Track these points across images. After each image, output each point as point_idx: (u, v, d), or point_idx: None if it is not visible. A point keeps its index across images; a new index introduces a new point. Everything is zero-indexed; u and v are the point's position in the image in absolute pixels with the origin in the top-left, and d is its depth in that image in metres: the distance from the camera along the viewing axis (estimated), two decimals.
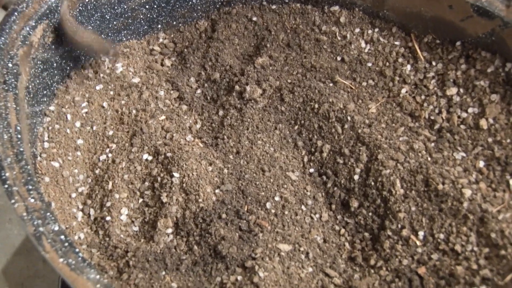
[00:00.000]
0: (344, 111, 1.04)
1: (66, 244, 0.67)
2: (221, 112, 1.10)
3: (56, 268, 0.66)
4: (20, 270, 1.51)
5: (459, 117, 1.03)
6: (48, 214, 0.69)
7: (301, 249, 0.91)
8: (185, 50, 1.20)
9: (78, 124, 1.03)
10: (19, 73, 0.87)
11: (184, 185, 0.95)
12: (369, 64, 1.13)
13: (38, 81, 0.96)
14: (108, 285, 0.65)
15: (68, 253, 0.66)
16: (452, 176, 0.94)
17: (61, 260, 0.66)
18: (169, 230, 0.91)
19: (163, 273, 0.86)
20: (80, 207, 0.96)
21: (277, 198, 0.96)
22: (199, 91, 1.14)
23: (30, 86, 0.94)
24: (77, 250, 0.67)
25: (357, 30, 1.16)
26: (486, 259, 0.86)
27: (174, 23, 1.22)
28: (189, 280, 0.87)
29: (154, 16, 1.18)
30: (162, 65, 1.19)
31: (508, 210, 0.90)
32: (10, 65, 0.87)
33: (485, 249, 0.87)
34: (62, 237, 0.68)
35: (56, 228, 0.68)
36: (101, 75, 1.10)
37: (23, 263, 1.53)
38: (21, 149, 0.76)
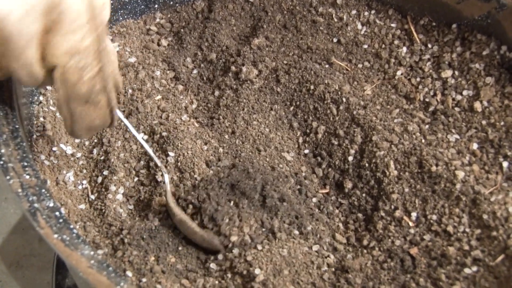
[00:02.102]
0: (339, 93, 1.04)
1: (61, 220, 0.68)
2: (217, 93, 1.10)
3: (50, 243, 0.66)
4: (16, 249, 1.52)
5: (453, 99, 1.03)
6: (43, 190, 0.70)
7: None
8: (182, 30, 1.20)
9: None
10: None
11: (179, 164, 0.95)
12: (365, 46, 1.13)
13: None
14: (102, 261, 0.65)
15: (62, 229, 0.67)
16: (446, 158, 0.94)
17: (56, 236, 0.66)
18: (164, 209, 0.91)
19: (158, 250, 0.87)
20: (76, 184, 0.96)
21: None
22: (195, 71, 1.14)
23: None
24: (71, 226, 0.67)
25: (354, 12, 1.16)
26: (478, 240, 0.87)
27: (171, 3, 1.22)
28: (185, 258, 0.88)
29: None
30: (158, 45, 1.19)
31: (500, 192, 0.91)
32: None
33: (477, 230, 0.87)
34: (57, 213, 0.68)
35: (51, 205, 0.68)
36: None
37: (19, 242, 1.53)
38: (17, 126, 0.76)
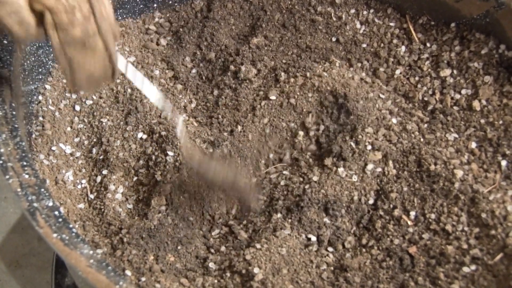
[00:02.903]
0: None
1: (60, 219, 0.68)
2: (216, 92, 1.10)
3: (49, 243, 0.66)
4: (16, 248, 1.52)
5: (452, 98, 1.03)
6: (42, 190, 0.70)
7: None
8: (181, 29, 1.20)
9: (72, 102, 1.03)
10: (14, 51, 0.88)
11: (178, 163, 0.95)
12: (364, 45, 1.13)
13: (33, 58, 0.96)
14: (101, 260, 0.66)
15: (61, 229, 0.67)
16: (444, 157, 0.94)
17: (55, 235, 0.66)
18: (163, 208, 0.91)
19: (157, 249, 0.87)
20: (75, 184, 0.96)
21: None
22: (194, 70, 1.14)
23: (25, 64, 0.94)
24: (70, 225, 0.68)
25: (352, 11, 1.16)
26: (477, 239, 0.87)
27: (170, 2, 1.22)
28: (184, 257, 0.88)
29: None
30: (157, 44, 1.19)
31: (499, 191, 0.91)
32: (5, 42, 0.87)
33: (476, 229, 0.87)
34: (56, 212, 0.68)
35: (50, 204, 0.69)
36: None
37: (19, 241, 1.53)
38: (16, 126, 0.76)
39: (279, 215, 0.93)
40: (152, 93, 0.85)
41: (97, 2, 0.69)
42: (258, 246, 0.87)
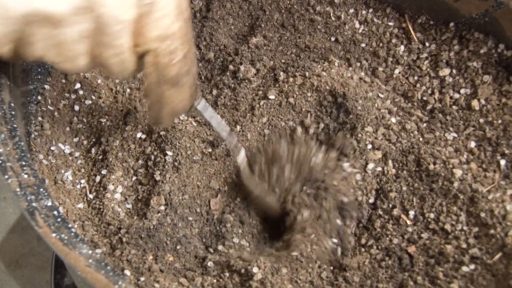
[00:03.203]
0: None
1: (59, 219, 0.68)
2: (215, 92, 1.10)
3: (48, 242, 0.66)
4: (15, 248, 1.52)
5: (451, 97, 1.04)
6: (41, 190, 0.70)
7: None
8: None
9: (71, 103, 1.03)
10: None
11: (177, 163, 0.95)
12: (363, 45, 1.13)
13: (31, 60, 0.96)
14: (100, 260, 0.66)
15: (60, 228, 0.67)
16: (444, 156, 0.94)
17: (54, 235, 0.66)
18: (162, 208, 0.91)
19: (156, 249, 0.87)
20: (75, 184, 0.97)
21: None
22: None
23: (24, 64, 0.94)
24: (69, 225, 0.68)
25: (351, 10, 1.16)
26: (476, 238, 0.87)
27: None
28: (183, 257, 0.88)
29: None
30: None
31: (498, 190, 0.91)
32: None
33: (475, 228, 0.87)
34: (55, 212, 0.68)
35: (49, 204, 0.69)
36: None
37: (18, 241, 1.54)
38: (15, 126, 0.76)
39: None
40: (221, 126, 0.94)
41: (191, 45, 0.78)
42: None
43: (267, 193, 0.97)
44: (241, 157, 0.96)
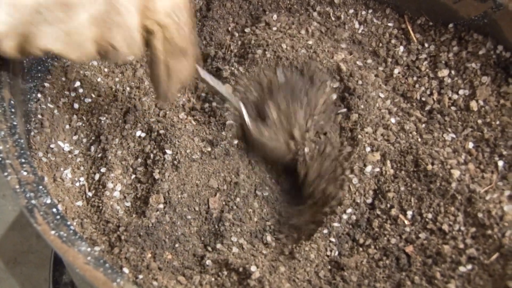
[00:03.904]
0: None
1: (58, 217, 0.68)
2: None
3: (47, 240, 0.66)
4: (14, 245, 1.53)
5: (450, 98, 1.04)
6: (41, 187, 0.70)
7: None
8: None
9: (71, 100, 1.03)
10: None
11: (176, 162, 0.95)
12: (363, 45, 1.13)
13: (32, 56, 0.97)
14: (98, 258, 0.66)
15: (59, 226, 0.67)
16: (442, 157, 0.95)
17: (53, 232, 0.66)
18: (161, 206, 0.92)
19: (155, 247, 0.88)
20: (74, 182, 0.97)
21: None
22: None
23: (25, 62, 0.94)
24: (68, 223, 0.68)
25: (351, 11, 1.16)
26: (473, 239, 0.87)
27: None
28: (182, 255, 0.88)
29: None
30: None
31: (495, 191, 0.91)
32: None
33: (472, 228, 0.88)
34: (54, 210, 0.68)
35: (48, 201, 0.69)
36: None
37: (17, 239, 1.54)
38: (15, 123, 0.76)
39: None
40: (223, 88, 0.99)
41: (190, 15, 0.81)
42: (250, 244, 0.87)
43: (276, 138, 1.01)
44: (245, 115, 1.01)
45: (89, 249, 0.66)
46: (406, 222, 0.91)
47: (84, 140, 1.02)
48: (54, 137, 0.99)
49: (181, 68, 0.84)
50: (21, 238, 1.53)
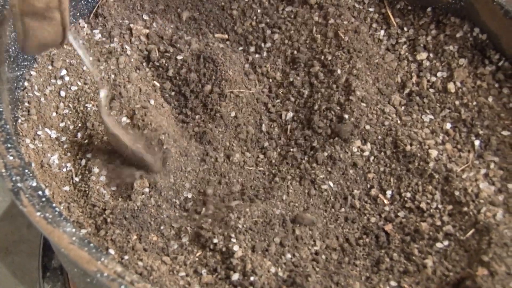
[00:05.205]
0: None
1: (44, 199, 0.70)
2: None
3: (33, 221, 0.68)
4: (5, 235, 1.54)
5: (428, 81, 1.06)
6: (27, 171, 0.72)
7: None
8: None
9: (58, 88, 1.05)
10: None
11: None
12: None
13: (19, 45, 0.98)
14: (83, 238, 0.67)
15: (45, 208, 0.69)
16: (420, 138, 0.97)
17: (38, 213, 0.68)
18: (146, 190, 0.93)
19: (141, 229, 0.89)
20: (61, 167, 0.98)
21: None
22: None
23: (11, 50, 0.95)
24: (53, 205, 0.70)
25: None
26: (450, 216, 0.90)
27: None
28: (167, 237, 0.90)
29: None
30: None
31: (472, 170, 0.94)
32: None
33: (449, 206, 0.90)
34: (40, 192, 0.70)
35: (34, 184, 0.71)
36: (80, 41, 1.11)
37: (8, 228, 1.55)
38: (0, 110, 0.78)
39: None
40: (88, 61, 0.93)
41: None
42: (239, 225, 0.89)
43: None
44: (102, 94, 0.96)
45: (74, 230, 0.68)
46: (386, 201, 0.93)
47: (71, 127, 1.03)
48: (41, 124, 1.00)
49: (41, 31, 0.78)
50: (12, 228, 1.55)
